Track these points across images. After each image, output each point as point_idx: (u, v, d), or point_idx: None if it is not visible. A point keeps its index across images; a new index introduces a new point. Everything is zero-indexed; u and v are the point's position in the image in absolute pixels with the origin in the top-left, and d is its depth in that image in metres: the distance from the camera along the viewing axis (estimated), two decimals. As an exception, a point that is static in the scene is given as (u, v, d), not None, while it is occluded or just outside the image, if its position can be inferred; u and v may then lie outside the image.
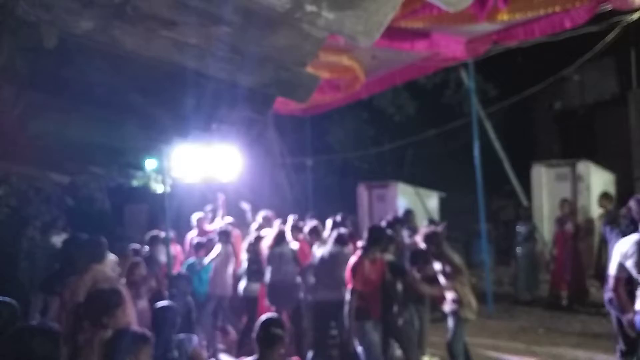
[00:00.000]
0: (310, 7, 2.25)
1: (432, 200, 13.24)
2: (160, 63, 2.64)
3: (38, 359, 2.29)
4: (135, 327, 2.98)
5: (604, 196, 8.66)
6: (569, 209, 9.10)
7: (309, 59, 2.67)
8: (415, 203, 12.38)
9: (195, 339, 3.99)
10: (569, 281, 8.76)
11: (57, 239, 7.99)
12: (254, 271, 7.16)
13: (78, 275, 4.07)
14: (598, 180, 10.86)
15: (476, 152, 8.84)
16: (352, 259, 5.40)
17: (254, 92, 2.89)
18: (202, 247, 7.53)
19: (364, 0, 2.27)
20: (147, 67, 2.77)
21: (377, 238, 5.42)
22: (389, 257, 5.58)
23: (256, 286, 7.16)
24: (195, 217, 8.85)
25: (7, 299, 3.17)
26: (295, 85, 2.81)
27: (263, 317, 3.51)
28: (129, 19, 2.35)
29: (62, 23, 2.33)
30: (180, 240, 8.72)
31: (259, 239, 7.42)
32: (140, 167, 7.99)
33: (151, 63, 2.66)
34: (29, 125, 3.45)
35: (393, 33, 6.67)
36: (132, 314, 3.83)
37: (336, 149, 16.30)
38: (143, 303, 5.55)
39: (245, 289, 7.19)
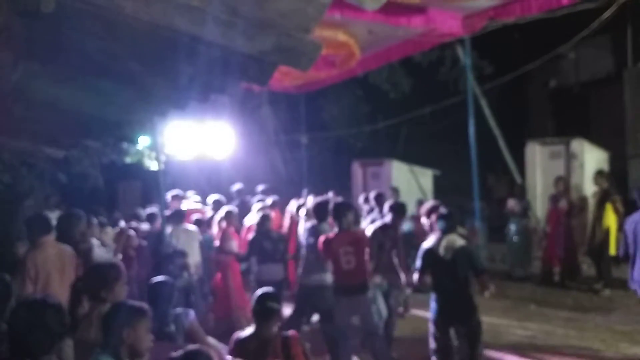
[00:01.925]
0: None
1: (426, 178, 13.27)
2: (159, 29, 2.57)
3: (48, 330, 2.33)
4: (132, 300, 2.99)
5: (599, 174, 8.70)
6: (563, 186, 9.15)
7: (312, 25, 2.59)
8: (410, 181, 12.42)
9: (192, 313, 4.02)
10: (561, 258, 8.85)
11: (52, 216, 7.95)
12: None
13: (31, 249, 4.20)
14: (592, 158, 10.90)
15: (471, 129, 8.84)
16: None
17: (254, 59, 2.82)
18: (202, 224, 7.57)
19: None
20: (145, 33, 2.70)
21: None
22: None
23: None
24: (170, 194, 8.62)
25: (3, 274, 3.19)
26: (297, 53, 2.73)
27: (259, 291, 3.53)
28: None
29: None
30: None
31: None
32: (134, 141, 7.91)
33: (150, 29, 2.59)
34: (24, 95, 3.39)
35: (389, 8, 6.58)
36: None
37: (331, 126, 16.26)
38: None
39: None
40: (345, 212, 5.44)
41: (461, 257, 4.78)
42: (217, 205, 8.21)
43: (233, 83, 3.22)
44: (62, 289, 4.02)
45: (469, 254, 4.85)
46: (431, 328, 5.02)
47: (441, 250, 4.82)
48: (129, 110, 4.18)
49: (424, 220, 5.79)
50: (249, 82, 3.33)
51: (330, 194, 8.05)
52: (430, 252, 4.91)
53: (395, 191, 9.76)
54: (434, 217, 5.42)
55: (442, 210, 5.24)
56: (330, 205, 5.82)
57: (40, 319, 2.33)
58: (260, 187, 10.09)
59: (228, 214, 7.33)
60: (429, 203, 6.09)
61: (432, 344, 4.99)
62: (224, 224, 7.31)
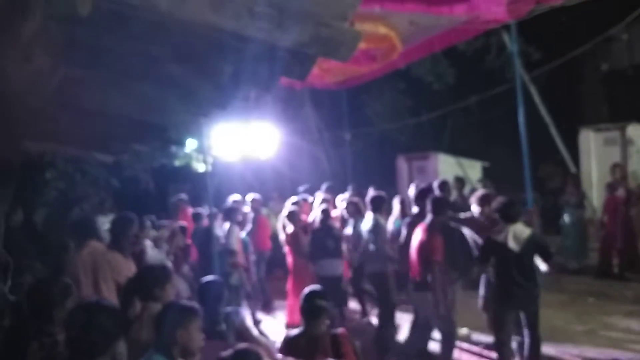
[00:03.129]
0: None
1: (475, 171, 12.97)
2: (195, 26, 2.57)
3: (103, 332, 2.38)
4: (183, 300, 3.03)
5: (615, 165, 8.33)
6: (620, 173, 8.77)
7: (350, 12, 2.52)
8: (458, 174, 12.17)
9: (242, 312, 4.05)
10: (620, 248, 8.48)
11: (105, 221, 8.22)
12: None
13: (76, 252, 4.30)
14: (650, 143, 10.41)
15: (521, 118, 8.53)
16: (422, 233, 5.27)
17: (293, 53, 2.78)
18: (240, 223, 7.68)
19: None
20: (183, 32, 2.71)
21: (440, 208, 5.30)
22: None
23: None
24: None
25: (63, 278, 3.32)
26: (337, 43, 2.66)
27: (307, 289, 3.52)
28: None
29: None
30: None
31: None
32: (182, 144, 8.06)
33: (187, 27, 2.59)
34: (69, 101, 3.48)
35: (431, -3, 6.46)
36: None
37: (374, 121, 16.08)
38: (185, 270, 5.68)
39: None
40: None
41: (530, 246, 4.83)
42: (255, 204, 8.27)
43: (273, 79, 3.19)
44: (96, 292, 4.14)
45: (536, 242, 4.92)
46: (492, 318, 5.02)
47: (510, 242, 4.81)
48: (173, 113, 4.23)
49: (474, 208, 5.71)
50: (288, 77, 3.31)
51: (371, 190, 8.02)
52: (496, 244, 4.89)
53: (446, 184, 9.56)
54: (486, 206, 5.39)
55: (505, 199, 5.17)
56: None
57: (95, 321, 2.39)
58: (301, 188, 10.06)
59: (291, 215, 7.36)
60: (480, 191, 5.97)
61: (497, 335, 5.00)
62: (289, 227, 7.34)
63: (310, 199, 8.78)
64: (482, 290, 5.84)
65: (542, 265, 4.97)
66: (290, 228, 7.35)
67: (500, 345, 5.00)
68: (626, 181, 8.90)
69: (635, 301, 7.23)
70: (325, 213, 7.10)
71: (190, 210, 8.80)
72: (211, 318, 3.70)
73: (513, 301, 4.92)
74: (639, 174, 9.79)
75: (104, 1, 2.40)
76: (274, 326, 7.48)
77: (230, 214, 7.27)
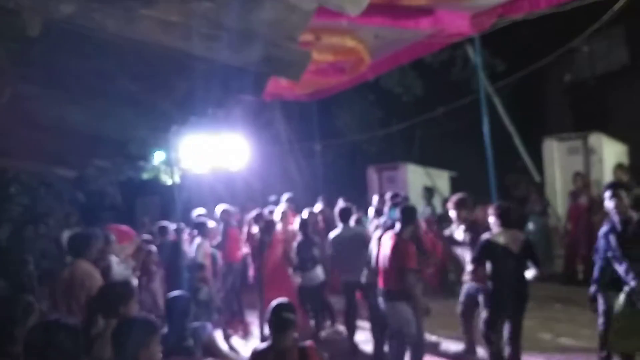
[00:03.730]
0: (295, -23, 2.18)
1: (443, 180, 13.16)
2: (147, 46, 2.59)
3: (63, 352, 2.33)
4: (142, 315, 2.99)
5: (619, 167, 8.55)
6: (582, 182, 9.00)
7: (298, 33, 2.58)
8: (426, 183, 12.32)
9: (209, 327, 4.01)
10: (584, 255, 8.68)
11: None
12: None
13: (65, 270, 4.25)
14: (611, 152, 10.71)
15: (485, 129, 8.73)
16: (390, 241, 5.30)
17: (245, 72, 2.82)
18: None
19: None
20: (134, 51, 2.72)
21: (410, 217, 5.36)
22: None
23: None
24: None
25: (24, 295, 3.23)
26: (286, 63, 2.73)
27: (274, 302, 3.51)
28: (107, 0, 2.28)
29: (43, 9, 2.27)
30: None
31: None
32: (146, 158, 7.99)
33: (138, 46, 2.60)
34: (26, 117, 3.43)
35: (396, 11, 6.57)
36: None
37: (344, 132, 16.21)
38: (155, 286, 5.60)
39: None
40: None
41: (527, 249, 4.99)
42: (225, 215, 8.22)
43: (228, 96, 3.22)
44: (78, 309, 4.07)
45: (531, 246, 5.08)
46: (483, 327, 5.15)
47: (510, 244, 4.94)
48: (132, 128, 4.21)
49: (451, 213, 5.77)
50: (243, 94, 3.35)
51: (340, 201, 8.08)
52: (495, 245, 4.98)
53: (429, 191, 9.85)
54: (463, 210, 5.48)
55: (504, 204, 5.39)
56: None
57: (55, 340, 2.33)
58: (272, 198, 10.07)
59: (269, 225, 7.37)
60: (456, 195, 6.03)
61: (487, 348, 5.16)
62: (279, 234, 7.31)
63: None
64: (462, 297, 5.91)
65: (531, 271, 5.06)
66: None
67: (494, 351, 5.12)
68: (589, 189, 9.13)
69: (599, 306, 7.39)
70: (305, 223, 7.11)
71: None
72: (178, 333, 3.66)
73: (507, 306, 5.02)
74: (601, 182, 10.06)
75: (53, 22, 2.39)
76: (246, 340, 7.42)
77: (201, 228, 7.19)
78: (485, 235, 5.17)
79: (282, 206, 8.44)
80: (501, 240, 4.99)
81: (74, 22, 2.39)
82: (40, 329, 2.48)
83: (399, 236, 5.21)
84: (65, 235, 8.09)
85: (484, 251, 5.09)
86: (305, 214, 7.66)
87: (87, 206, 9.59)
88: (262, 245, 7.34)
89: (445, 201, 8.99)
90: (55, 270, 5.15)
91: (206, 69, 2.78)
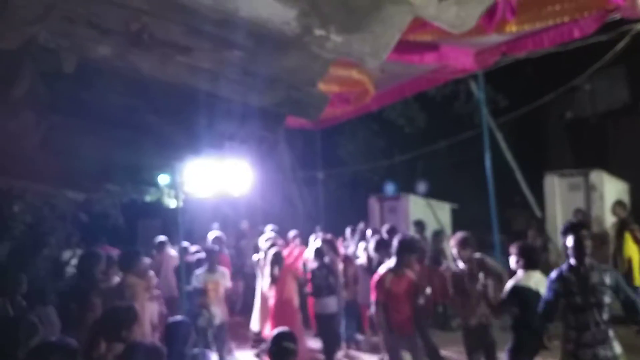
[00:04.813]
0: (319, 32, 2.31)
1: (444, 212, 13.18)
2: (175, 86, 2.71)
3: None
4: (147, 340, 3.01)
5: (618, 204, 8.60)
6: (582, 218, 9.03)
7: (318, 79, 2.72)
8: (427, 215, 12.34)
9: (209, 355, 4.01)
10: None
11: (71, 255, 8.08)
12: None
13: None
14: (612, 189, 10.76)
15: (487, 163, 8.83)
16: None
17: (265, 111, 2.95)
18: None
19: (371, 23, 2.32)
20: (162, 89, 2.84)
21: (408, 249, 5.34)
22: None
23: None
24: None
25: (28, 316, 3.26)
26: (305, 104, 2.86)
27: (275, 331, 3.53)
28: (145, 46, 2.41)
29: (81, 49, 2.40)
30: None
31: None
32: (154, 184, 8.06)
33: (166, 86, 2.72)
34: (48, 146, 3.52)
35: (402, 46, 6.65)
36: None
37: (347, 161, 16.31)
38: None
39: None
40: None
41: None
42: (217, 242, 8.22)
43: (247, 132, 3.34)
44: None
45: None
46: None
47: (536, 287, 4.72)
48: (148, 155, 4.32)
49: (454, 251, 5.67)
50: (262, 131, 3.48)
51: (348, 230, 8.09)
52: (529, 291, 4.74)
53: (419, 225, 9.78)
54: (467, 249, 5.40)
55: (525, 244, 5.25)
56: None
57: None
58: (269, 227, 9.88)
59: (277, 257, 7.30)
60: (460, 234, 5.93)
61: None
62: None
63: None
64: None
65: None
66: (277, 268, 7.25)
67: None
68: (589, 225, 9.15)
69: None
70: (321, 251, 7.11)
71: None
72: (177, 358, 3.66)
73: (528, 350, 4.81)
74: (602, 218, 10.09)
75: (88, 60, 2.51)
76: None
77: (210, 254, 7.21)
78: (510, 282, 4.94)
79: (266, 235, 8.39)
80: (531, 283, 4.75)
81: (109, 63, 2.51)
82: (38, 350, 2.49)
83: (400, 270, 5.21)
84: (66, 255, 8.14)
85: (515, 296, 4.80)
86: (318, 242, 7.63)
87: (89, 227, 9.62)
88: (273, 279, 7.26)
89: (436, 235, 9.03)
90: (48, 290, 5.19)
91: (227, 108, 2.90)
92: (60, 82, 2.69)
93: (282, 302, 7.11)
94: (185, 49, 2.46)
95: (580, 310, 4.08)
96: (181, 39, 2.46)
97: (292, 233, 8.49)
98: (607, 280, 4.07)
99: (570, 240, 4.24)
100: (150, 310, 4.92)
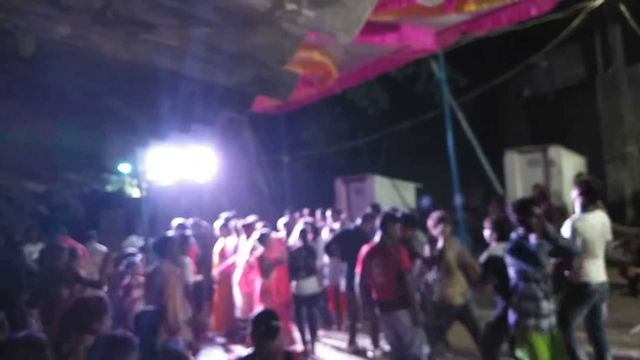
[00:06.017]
0: (290, 6, 2.26)
1: (409, 192, 13.38)
2: (138, 65, 2.62)
3: None
4: (117, 331, 2.96)
5: (578, 176, 8.85)
6: (539, 192, 9.28)
7: (289, 57, 2.67)
8: (392, 195, 12.51)
9: (180, 341, 3.99)
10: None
11: (32, 249, 7.85)
12: None
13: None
14: (569, 164, 11.10)
15: (449, 142, 8.97)
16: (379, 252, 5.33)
17: (233, 91, 2.88)
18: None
19: (343, -4, 2.29)
20: (125, 71, 2.75)
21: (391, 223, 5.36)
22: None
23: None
24: None
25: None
26: (275, 84, 2.81)
27: (258, 310, 3.51)
28: (109, 24, 2.31)
29: (39, 29, 2.29)
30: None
31: None
32: (115, 172, 7.89)
33: (128, 66, 2.63)
34: (3, 135, 3.39)
35: (364, 27, 6.70)
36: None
37: (312, 144, 16.32)
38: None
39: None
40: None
41: None
42: (180, 229, 8.05)
43: (214, 113, 3.27)
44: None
45: None
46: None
47: None
48: (109, 141, 4.22)
49: (433, 231, 5.72)
50: (229, 112, 3.39)
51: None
52: (498, 259, 4.84)
53: (375, 207, 9.81)
54: (440, 226, 5.47)
55: (498, 218, 5.47)
56: None
57: (18, 356, 2.29)
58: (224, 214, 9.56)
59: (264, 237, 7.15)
60: (436, 214, 6.00)
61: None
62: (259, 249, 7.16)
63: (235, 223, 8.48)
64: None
65: None
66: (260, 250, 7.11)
67: None
68: (547, 199, 9.42)
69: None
70: (305, 232, 7.03)
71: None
72: (147, 348, 3.62)
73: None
74: (561, 193, 10.40)
75: (47, 41, 2.40)
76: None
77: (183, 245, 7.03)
78: (485, 253, 5.13)
79: (219, 222, 8.24)
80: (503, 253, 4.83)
81: (68, 43, 2.40)
82: (6, 346, 2.43)
83: (383, 243, 5.23)
84: (28, 249, 7.91)
85: (491, 266, 4.97)
86: (301, 224, 7.55)
87: (49, 219, 9.37)
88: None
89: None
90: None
91: (194, 88, 2.82)
92: (16, 65, 2.57)
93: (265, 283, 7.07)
94: (150, 26, 2.36)
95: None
96: (146, 15, 2.35)
97: (250, 219, 8.20)
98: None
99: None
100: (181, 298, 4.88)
